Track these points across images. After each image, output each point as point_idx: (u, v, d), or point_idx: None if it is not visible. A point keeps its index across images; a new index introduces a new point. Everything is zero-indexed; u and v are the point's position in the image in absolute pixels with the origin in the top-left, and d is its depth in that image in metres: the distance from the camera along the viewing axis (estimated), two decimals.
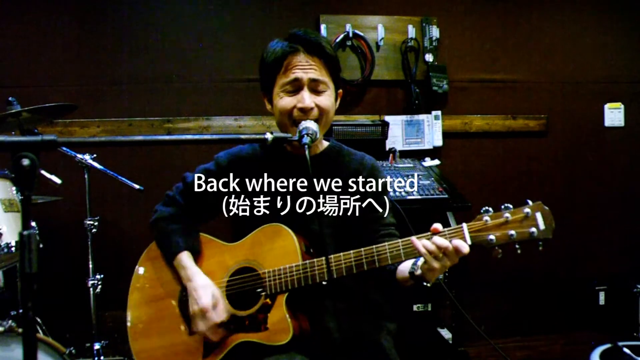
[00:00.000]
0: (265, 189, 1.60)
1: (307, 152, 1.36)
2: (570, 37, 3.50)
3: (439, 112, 3.31)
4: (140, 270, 1.68)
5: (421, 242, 1.32)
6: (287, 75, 1.51)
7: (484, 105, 3.43)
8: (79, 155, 2.48)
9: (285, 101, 1.52)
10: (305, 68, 1.51)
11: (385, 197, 1.63)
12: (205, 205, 1.66)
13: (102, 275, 2.55)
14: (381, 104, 3.33)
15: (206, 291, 1.53)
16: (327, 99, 1.54)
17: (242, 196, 1.61)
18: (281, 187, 1.60)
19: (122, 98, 3.11)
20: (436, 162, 3.15)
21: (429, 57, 3.29)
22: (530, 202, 1.31)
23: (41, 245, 2.40)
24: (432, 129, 3.30)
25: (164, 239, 1.64)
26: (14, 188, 2.31)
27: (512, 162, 3.47)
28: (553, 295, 3.48)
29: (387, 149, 3.12)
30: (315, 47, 1.52)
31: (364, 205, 1.58)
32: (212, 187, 1.64)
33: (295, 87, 1.52)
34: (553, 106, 3.49)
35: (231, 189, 1.63)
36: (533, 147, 3.48)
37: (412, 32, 3.26)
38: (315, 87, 1.52)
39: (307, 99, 1.50)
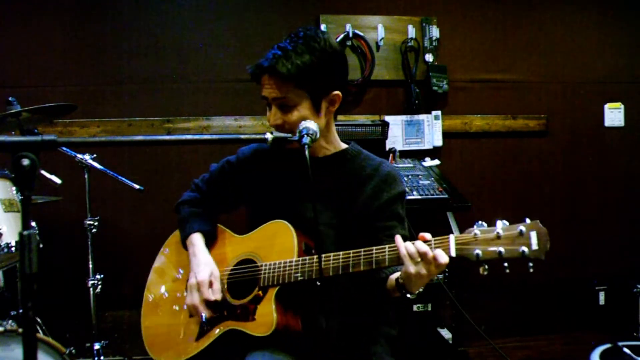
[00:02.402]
0: (277, 187, 1.65)
1: (306, 152, 1.37)
2: (570, 37, 3.50)
3: (439, 112, 3.31)
4: (164, 251, 1.80)
5: (404, 244, 1.32)
6: (261, 92, 1.57)
7: (484, 105, 3.43)
8: (79, 155, 2.48)
9: (267, 114, 1.59)
10: (268, 88, 1.54)
11: (397, 207, 1.59)
12: (223, 195, 1.77)
13: (102, 275, 2.54)
14: (381, 104, 3.33)
15: (206, 268, 1.60)
16: (297, 115, 1.53)
17: (256, 191, 1.69)
18: (291, 185, 1.63)
19: (122, 98, 3.11)
20: (436, 162, 3.15)
21: (429, 57, 3.29)
22: (527, 220, 1.25)
23: (41, 245, 2.40)
24: (432, 129, 3.30)
25: (183, 221, 1.74)
26: (14, 188, 2.31)
27: (512, 162, 3.47)
28: (553, 295, 3.48)
29: (387, 149, 3.11)
30: (269, 70, 1.52)
31: (369, 212, 1.57)
32: (230, 179, 1.75)
33: (267, 103, 1.58)
34: (553, 106, 3.50)
35: (246, 183, 1.71)
36: (533, 147, 3.49)
37: (412, 32, 3.26)
38: (281, 104, 1.54)
39: (271, 117, 1.56)
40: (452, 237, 1.29)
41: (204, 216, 1.74)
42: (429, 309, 2.88)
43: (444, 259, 1.26)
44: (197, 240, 1.68)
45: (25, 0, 3.03)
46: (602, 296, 3.40)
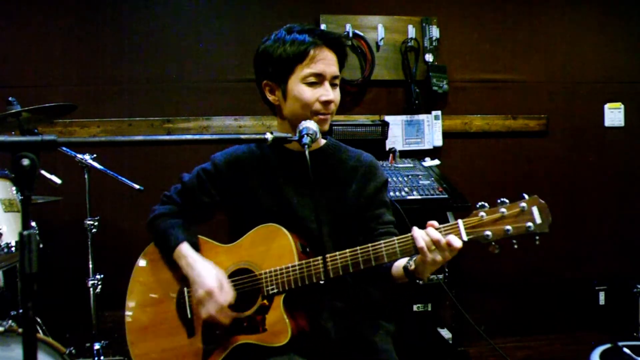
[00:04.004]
0: (262, 189, 1.61)
1: (306, 152, 1.35)
2: (570, 37, 3.50)
3: (439, 112, 3.31)
4: (137, 274, 1.67)
5: (419, 233, 1.33)
6: (312, 68, 1.51)
7: (484, 105, 3.43)
8: (79, 155, 2.48)
9: (308, 93, 1.52)
10: (328, 63, 1.53)
11: (383, 195, 1.63)
12: (201, 206, 1.66)
13: (102, 275, 2.55)
14: (381, 104, 3.33)
15: (210, 274, 1.50)
16: (339, 94, 1.58)
17: (239, 197, 1.62)
18: (278, 186, 1.60)
19: (122, 98, 3.11)
20: (436, 162, 3.15)
21: (429, 57, 3.28)
22: (526, 197, 1.29)
23: (41, 245, 2.40)
24: (432, 129, 3.30)
25: (163, 234, 1.62)
26: (14, 188, 2.31)
27: (512, 162, 3.47)
28: (553, 295, 3.48)
29: (387, 149, 3.12)
30: (336, 43, 1.55)
31: (360, 203, 1.59)
32: (209, 187, 1.65)
33: (319, 80, 1.53)
34: (553, 106, 3.49)
35: (228, 190, 1.64)
36: (533, 147, 3.48)
37: (412, 32, 3.26)
38: (333, 82, 1.55)
39: (331, 92, 1.53)
40: (460, 223, 1.31)
41: (185, 227, 1.63)
42: (429, 309, 2.88)
43: (457, 243, 1.28)
44: (187, 250, 1.56)
45: (25, 1, 3.03)
46: (602, 296, 3.40)
